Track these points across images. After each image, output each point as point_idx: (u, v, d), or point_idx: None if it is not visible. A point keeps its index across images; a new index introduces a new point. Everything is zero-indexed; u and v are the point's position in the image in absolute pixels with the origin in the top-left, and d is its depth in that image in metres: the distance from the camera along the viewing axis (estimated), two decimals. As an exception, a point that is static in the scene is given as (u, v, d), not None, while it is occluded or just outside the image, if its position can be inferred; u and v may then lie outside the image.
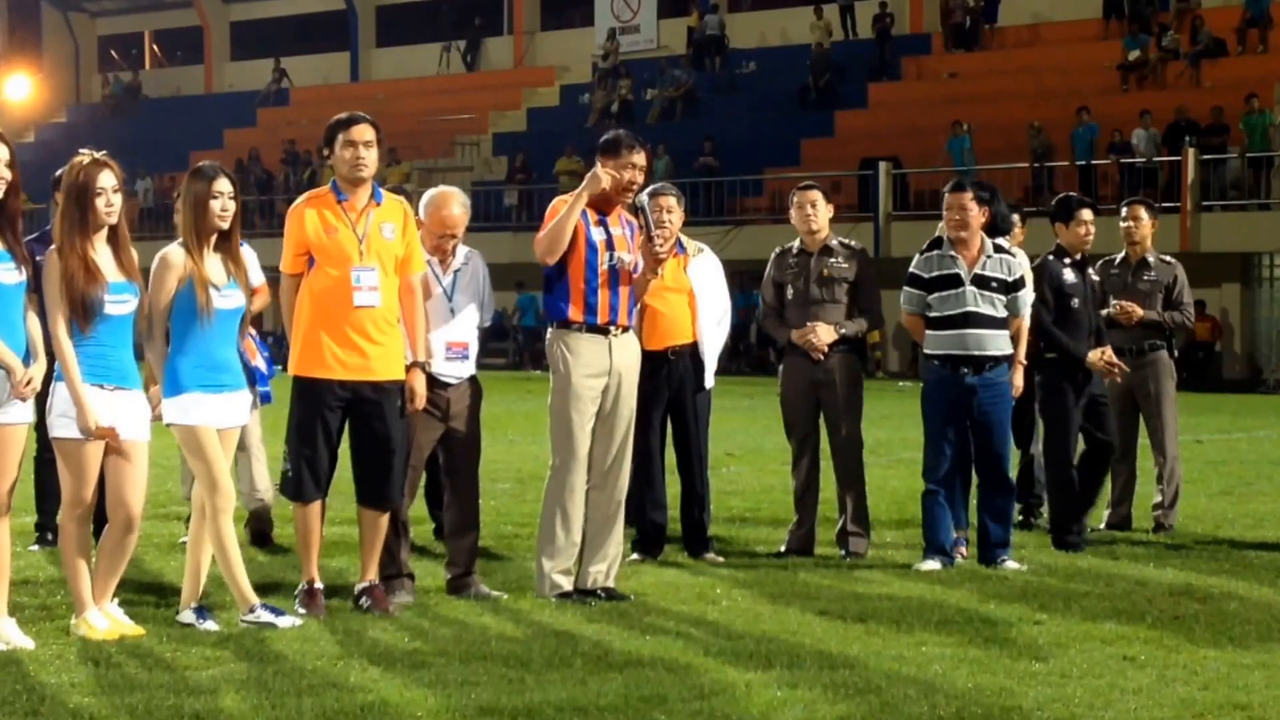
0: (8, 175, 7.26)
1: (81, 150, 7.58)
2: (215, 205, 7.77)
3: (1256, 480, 14.75)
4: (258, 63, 54.31)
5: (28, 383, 7.27)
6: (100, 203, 7.46)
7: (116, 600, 7.77)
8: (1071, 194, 11.62)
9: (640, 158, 8.77)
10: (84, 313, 7.39)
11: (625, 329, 8.83)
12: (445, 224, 8.72)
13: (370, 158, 8.20)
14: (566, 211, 8.64)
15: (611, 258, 8.73)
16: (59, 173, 7.78)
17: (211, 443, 7.77)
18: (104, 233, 7.54)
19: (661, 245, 8.98)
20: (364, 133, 8.22)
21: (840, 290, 10.25)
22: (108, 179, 7.48)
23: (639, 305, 9.24)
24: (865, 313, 10.29)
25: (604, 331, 8.74)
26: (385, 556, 8.46)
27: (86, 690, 6.55)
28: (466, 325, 8.80)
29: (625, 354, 8.81)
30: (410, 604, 8.46)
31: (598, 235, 8.71)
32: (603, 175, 8.65)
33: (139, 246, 7.80)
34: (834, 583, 9.25)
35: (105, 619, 7.56)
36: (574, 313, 8.73)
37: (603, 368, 8.74)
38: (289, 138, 46.69)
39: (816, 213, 10.33)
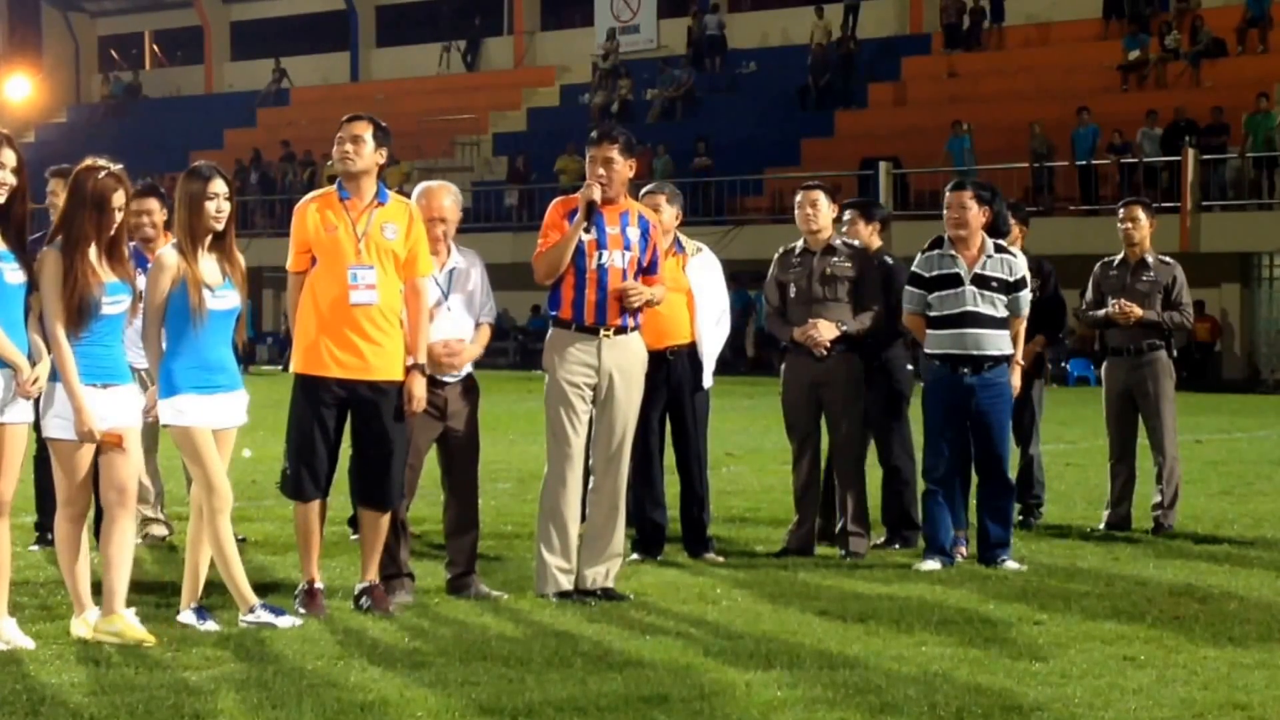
0: (12, 181, 7.25)
1: (99, 160, 7.54)
2: (210, 206, 7.76)
3: (1256, 480, 14.75)
4: (258, 63, 54.34)
5: (34, 381, 7.27)
6: (115, 217, 7.46)
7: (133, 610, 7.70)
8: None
9: (610, 152, 8.75)
10: (83, 315, 7.38)
11: (620, 329, 8.80)
12: (433, 210, 8.70)
13: (355, 151, 8.21)
14: (568, 236, 8.66)
15: (600, 257, 8.72)
16: (64, 166, 7.74)
17: (207, 444, 7.76)
18: None
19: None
20: (352, 128, 8.27)
21: (843, 289, 10.24)
22: (120, 198, 7.47)
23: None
24: (868, 312, 10.28)
25: (593, 331, 8.74)
26: (385, 556, 8.46)
27: (86, 690, 6.54)
28: (462, 324, 8.79)
29: (618, 354, 8.77)
30: (410, 604, 8.46)
31: (585, 235, 8.70)
32: (595, 190, 8.65)
33: (138, 247, 7.79)
34: (834, 583, 9.25)
35: (119, 622, 7.47)
36: (564, 312, 8.74)
37: (590, 368, 8.72)
38: (289, 138, 46.71)
39: (818, 212, 10.34)
